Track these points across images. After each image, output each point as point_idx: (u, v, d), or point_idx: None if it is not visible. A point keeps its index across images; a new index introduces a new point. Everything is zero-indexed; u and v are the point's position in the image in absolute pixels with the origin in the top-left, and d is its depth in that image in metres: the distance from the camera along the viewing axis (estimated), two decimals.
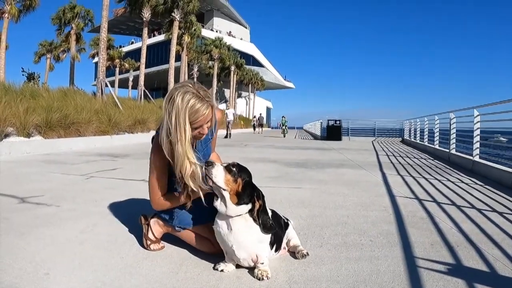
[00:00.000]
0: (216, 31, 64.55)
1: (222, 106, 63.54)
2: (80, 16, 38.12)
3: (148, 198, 4.13)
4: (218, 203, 2.25)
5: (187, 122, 2.24)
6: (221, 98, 67.99)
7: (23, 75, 44.63)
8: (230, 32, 71.02)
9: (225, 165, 2.24)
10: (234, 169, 2.24)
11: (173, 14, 30.53)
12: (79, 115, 12.73)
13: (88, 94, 20.63)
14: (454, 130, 10.30)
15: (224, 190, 2.19)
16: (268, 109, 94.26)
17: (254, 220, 2.23)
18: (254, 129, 40.64)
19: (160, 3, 29.65)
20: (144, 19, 29.33)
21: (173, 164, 2.36)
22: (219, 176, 2.17)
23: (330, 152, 12.75)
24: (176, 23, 30.80)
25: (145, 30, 29.54)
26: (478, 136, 8.18)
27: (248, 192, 2.25)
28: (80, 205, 4.02)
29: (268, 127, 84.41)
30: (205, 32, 54.71)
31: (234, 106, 59.03)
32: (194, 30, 37.10)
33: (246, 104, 71.74)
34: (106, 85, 20.00)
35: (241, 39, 73.16)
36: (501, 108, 7.50)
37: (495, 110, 7.83)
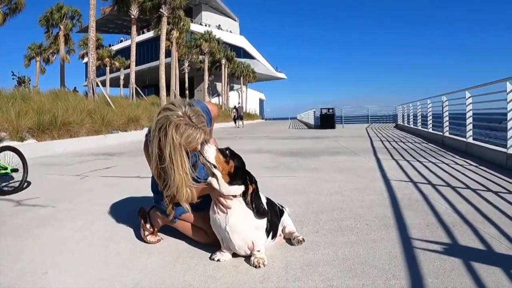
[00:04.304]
0: (205, 25, 64.22)
1: (215, 100, 63.44)
2: (67, 17, 37.72)
3: (143, 194, 4.15)
4: (210, 178, 2.28)
5: (183, 153, 2.20)
6: (213, 91, 67.84)
7: (13, 79, 44.22)
8: (219, 25, 70.72)
9: (219, 147, 2.30)
10: (227, 152, 2.29)
11: (161, 10, 30.34)
12: (71, 116, 12.67)
13: (79, 95, 20.57)
14: (447, 113, 10.32)
15: (215, 167, 2.22)
16: (261, 101, 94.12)
17: (247, 204, 2.26)
18: (235, 122, 34.82)
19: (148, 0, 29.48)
20: (132, 16, 29.15)
21: (162, 181, 2.36)
22: (210, 152, 2.22)
23: (324, 140, 12.78)
24: (164, 19, 30.61)
25: (134, 28, 29.39)
26: (471, 118, 8.21)
27: (240, 175, 2.29)
28: (76, 204, 4.02)
29: (262, 119, 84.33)
30: (194, 27, 54.45)
31: (227, 99, 58.94)
32: (183, 25, 36.84)
33: (239, 97, 71.47)
34: (97, 85, 19.93)
35: (231, 32, 72.89)
36: (492, 88, 7.52)
37: (486, 91, 7.84)
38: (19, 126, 10.17)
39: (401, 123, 21.20)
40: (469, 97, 8.30)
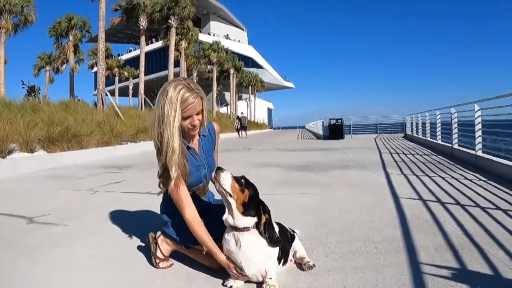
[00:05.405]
0: (213, 35, 64.69)
1: (223, 109, 63.60)
2: (77, 27, 38.09)
3: (154, 211, 4.19)
4: (226, 216, 2.32)
5: (177, 109, 2.38)
6: (222, 101, 68.09)
7: (23, 88, 44.62)
8: (227, 35, 71.17)
9: (234, 175, 2.34)
10: (242, 180, 2.33)
11: (169, 21, 30.62)
12: (81, 127, 12.78)
13: (89, 105, 20.72)
14: (456, 125, 10.32)
15: (230, 196, 2.26)
16: (269, 110, 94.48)
17: (261, 233, 2.28)
18: (238, 133, 33.41)
19: (156, 11, 29.74)
20: (141, 27, 29.46)
21: (161, 155, 2.48)
22: (226, 180, 2.26)
23: (333, 152, 12.79)
24: (173, 30, 30.88)
25: (143, 38, 29.68)
26: (480, 131, 8.20)
27: (254, 205, 2.31)
28: (87, 223, 4.06)
29: (270, 128, 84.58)
30: (203, 37, 54.79)
31: (235, 108, 59.05)
32: (191, 35, 37.11)
33: (247, 106, 71.77)
34: (106, 94, 20.11)
35: (239, 41, 73.34)
36: (502, 102, 7.54)
37: (496, 104, 7.86)
38: (29, 138, 10.27)
39: (410, 133, 21.16)
40: (478, 110, 8.30)
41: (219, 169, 2.30)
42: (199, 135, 2.72)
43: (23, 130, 10.42)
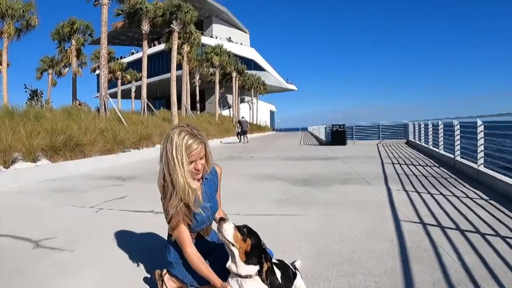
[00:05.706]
0: (216, 38, 64.73)
1: (226, 112, 63.66)
2: (79, 31, 38.18)
3: (159, 234, 4.25)
4: (229, 263, 2.39)
5: (184, 154, 2.49)
6: (224, 104, 68.16)
7: (26, 92, 44.72)
8: (229, 38, 71.22)
9: (236, 224, 2.41)
10: (245, 229, 2.40)
11: (172, 25, 30.67)
12: (84, 136, 12.83)
13: (92, 111, 20.81)
14: (458, 137, 10.33)
15: (233, 245, 2.33)
16: (271, 112, 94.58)
17: (263, 281, 2.34)
18: (239, 137, 33.07)
19: (159, 15, 29.79)
20: (144, 32, 29.49)
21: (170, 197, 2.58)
22: (228, 230, 2.34)
23: (335, 162, 12.83)
24: (175, 34, 30.92)
25: (145, 43, 29.73)
26: (482, 146, 8.21)
27: (256, 253, 2.38)
28: (94, 247, 4.12)
29: (273, 130, 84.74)
30: (205, 39, 54.90)
31: (238, 111, 59.07)
32: (194, 39, 37.11)
33: (250, 109, 71.92)
34: (108, 98, 20.21)
35: (241, 44, 73.36)
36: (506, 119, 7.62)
37: (499, 120, 7.93)
38: (32, 147, 10.33)
39: (412, 140, 21.14)
40: (481, 124, 8.31)
41: (222, 219, 2.38)
42: (202, 179, 2.79)
43: (26, 139, 10.50)
